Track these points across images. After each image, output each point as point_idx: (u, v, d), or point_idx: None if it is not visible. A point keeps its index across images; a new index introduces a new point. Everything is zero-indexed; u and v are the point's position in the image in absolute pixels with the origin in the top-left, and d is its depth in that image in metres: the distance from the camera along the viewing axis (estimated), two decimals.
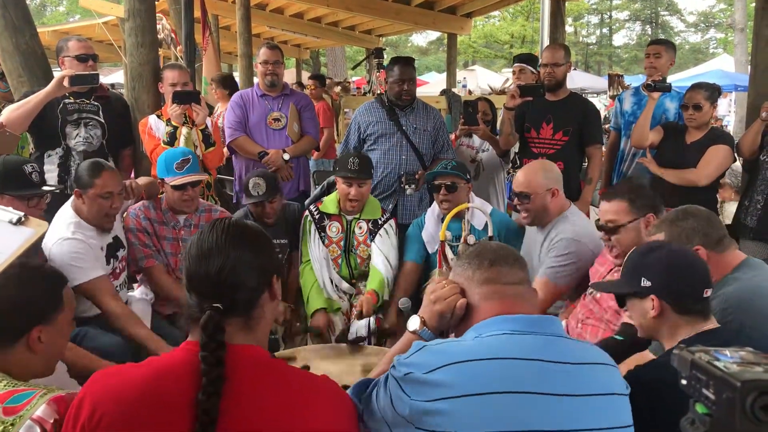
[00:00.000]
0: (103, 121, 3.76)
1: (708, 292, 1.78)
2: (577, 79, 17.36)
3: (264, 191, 3.42)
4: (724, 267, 2.22)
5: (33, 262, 1.77)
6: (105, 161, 3.18)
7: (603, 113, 7.87)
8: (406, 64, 4.17)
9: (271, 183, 3.47)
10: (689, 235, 2.19)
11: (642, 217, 2.59)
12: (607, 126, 5.70)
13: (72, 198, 3.00)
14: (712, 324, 1.78)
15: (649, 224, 2.54)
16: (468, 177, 3.47)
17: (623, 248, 2.59)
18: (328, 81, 10.53)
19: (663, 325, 1.80)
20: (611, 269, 2.71)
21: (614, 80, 9.74)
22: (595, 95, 18.96)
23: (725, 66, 18.45)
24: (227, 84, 6.07)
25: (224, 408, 1.24)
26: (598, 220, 2.75)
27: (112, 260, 3.06)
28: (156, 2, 4.61)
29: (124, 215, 3.29)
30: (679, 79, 16.00)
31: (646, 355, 2.15)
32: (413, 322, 1.66)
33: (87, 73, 3.55)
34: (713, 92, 3.87)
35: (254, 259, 1.39)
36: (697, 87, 3.91)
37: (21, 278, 1.66)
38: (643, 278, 1.80)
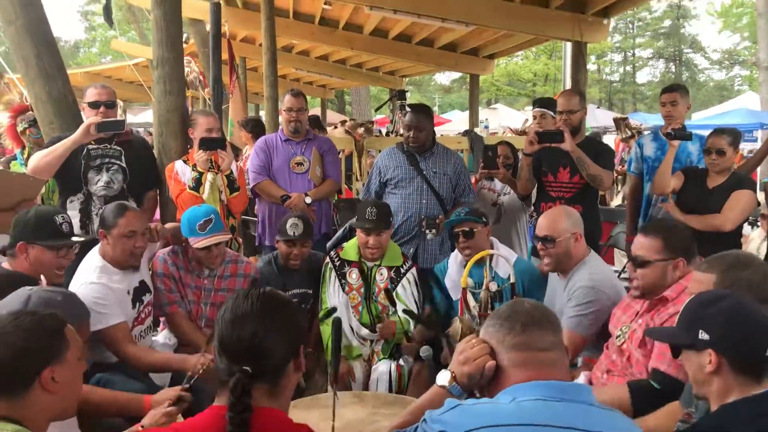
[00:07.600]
0: (125, 165, 3.78)
1: None
2: (600, 117, 17.31)
3: (301, 232, 3.52)
4: None
5: (28, 309, 1.79)
6: (128, 203, 3.24)
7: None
8: (418, 112, 4.26)
9: (308, 226, 3.60)
10: (741, 287, 2.07)
11: (672, 259, 2.57)
12: (623, 167, 5.59)
13: (99, 242, 3.06)
14: (763, 387, 1.69)
15: (678, 268, 2.53)
16: (484, 220, 3.47)
17: (645, 284, 2.59)
18: (350, 122, 10.63)
19: (717, 382, 1.72)
20: (635, 317, 2.67)
21: (620, 124, 9.73)
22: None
23: (750, 104, 18.28)
24: (252, 128, 6.16)
25: None
26: (623, 270, 2.72)
27: (137, 304, 3.10)
28: (185, 45, 4.71)
29: (152, 260, 3.34)
30: (704, 118, 15.87)
31: (676, 408, 2.12)
32: (443, 377, 1.63)
33: (113, 119, 3.62)
34: (736, 137, 3.87)
35: (284, 329, 1.46)
36: (720, 132, 3.89)
37: (19, 327, 1.65)
38: (701, 330, 1.73)
